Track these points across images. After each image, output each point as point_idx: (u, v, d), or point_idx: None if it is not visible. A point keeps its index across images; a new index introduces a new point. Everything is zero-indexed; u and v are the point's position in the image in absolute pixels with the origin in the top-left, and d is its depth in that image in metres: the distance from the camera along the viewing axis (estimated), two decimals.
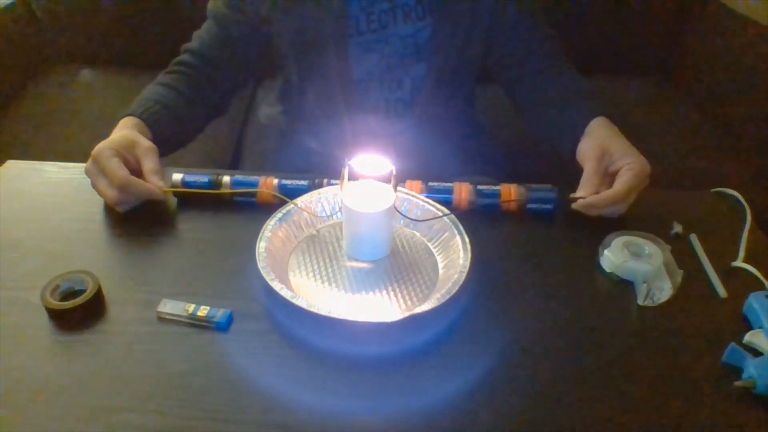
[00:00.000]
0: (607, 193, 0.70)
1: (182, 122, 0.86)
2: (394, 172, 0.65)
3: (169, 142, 0.81)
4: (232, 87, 0.96)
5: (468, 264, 0.63)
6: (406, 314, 0.58)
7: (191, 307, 0.60)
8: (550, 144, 0.88)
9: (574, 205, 0.72)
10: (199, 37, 0.93)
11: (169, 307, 0.60)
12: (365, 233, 0.67)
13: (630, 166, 0.71)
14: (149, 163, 0.72)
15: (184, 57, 0.91)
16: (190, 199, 0.75)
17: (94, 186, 0.71)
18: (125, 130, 0.76)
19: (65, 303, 0.59)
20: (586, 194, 0.72)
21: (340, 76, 0.91)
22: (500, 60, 0.96)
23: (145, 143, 0.73)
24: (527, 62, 0.94)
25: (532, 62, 0.94)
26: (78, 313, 0.59)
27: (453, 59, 0.93)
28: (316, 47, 0.90)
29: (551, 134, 0.87)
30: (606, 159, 0.73)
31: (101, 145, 0.71)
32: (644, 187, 0.72)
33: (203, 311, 0.59)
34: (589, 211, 0.72)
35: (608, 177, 0.73)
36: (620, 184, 0.70)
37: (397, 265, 0.67)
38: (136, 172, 0.72)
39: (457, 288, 0.60)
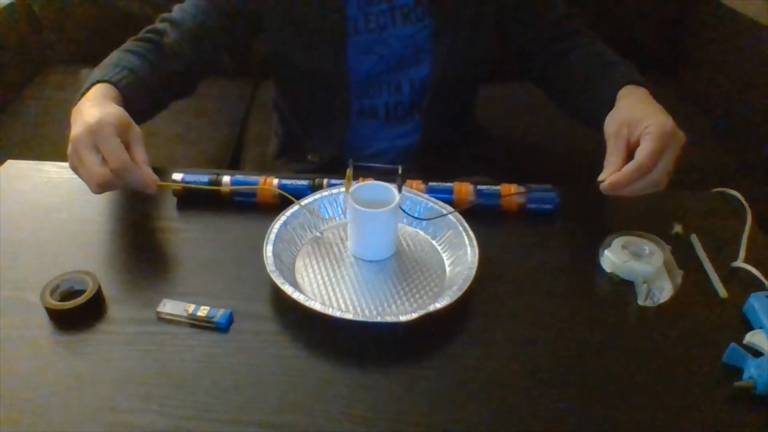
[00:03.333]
0: (628, 167, 0.64)
1: (150, 97, 0.80)
2: (400, 172, 0.65)
3: (134, 117, 0.70)
4: (204, 67, 0.89)
5: (476, 260, 0.63)
6: (421, 313, 0.58)
7: (191, 307, 0.60)
8: (585, 124, 0.83)
9: (601, 189, 0.66)
10: (181, 9, 0.87)
11: (169, 307, 0.60)
12: (371, 233, 0.67)
13: (647, 130, 0.65)
14: (142, 153, 0.66)
15: (161, 26, 0.85)
16: (190, 199, 0.75)
17: (80, 157, 0.62)
18: (110, 103, 0.68)
19: (65, 303, 0.59)
20: (607, 175, 0.66)
21: (337, 77, 0.91)
22: (524, 48, 0.93)
23: (137, 129, 0.67)
24: (551, 45, 0.90)
25: (557, 44, 0.90)
26: (78, 313, 0.59)
27: (457, 61, 0.92)
28: (314, 46, 0.89)
29: (582, 115, 0.83)
30: (624, 131, 0.67)
31: (103, 118, 0.63)
32: (678, 147, 0.65)
33: (203, 311, 0.59)
34: (618, 192, 0.65)
35: (635, 149, 0.66)
36: (640, 152, 0.64)
37: (404, 264, 0.67)
38: None
39: (468, 285, 0.61)
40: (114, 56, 0.80)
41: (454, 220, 0.69)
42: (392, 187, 0.66)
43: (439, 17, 0.89)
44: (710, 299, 0.64)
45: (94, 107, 0.66)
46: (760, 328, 0.59)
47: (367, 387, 0.54)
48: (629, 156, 0.66)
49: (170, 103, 0.87)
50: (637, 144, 0.66)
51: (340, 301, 0.62)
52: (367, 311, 0.61)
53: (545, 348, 0.59)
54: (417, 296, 0.63)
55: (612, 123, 0.70)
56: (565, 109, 0.91)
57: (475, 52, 0.93)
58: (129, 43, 0.83)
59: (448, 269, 0.66)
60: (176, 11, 0.87)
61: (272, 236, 0.66)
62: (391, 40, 0.90)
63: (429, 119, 0.96)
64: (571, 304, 0.63)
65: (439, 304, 0.59)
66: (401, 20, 0.89)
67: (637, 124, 0.67)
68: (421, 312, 0.58)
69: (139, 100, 0.75)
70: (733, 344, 0.57)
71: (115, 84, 0.73)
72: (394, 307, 0.62)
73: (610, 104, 0.74)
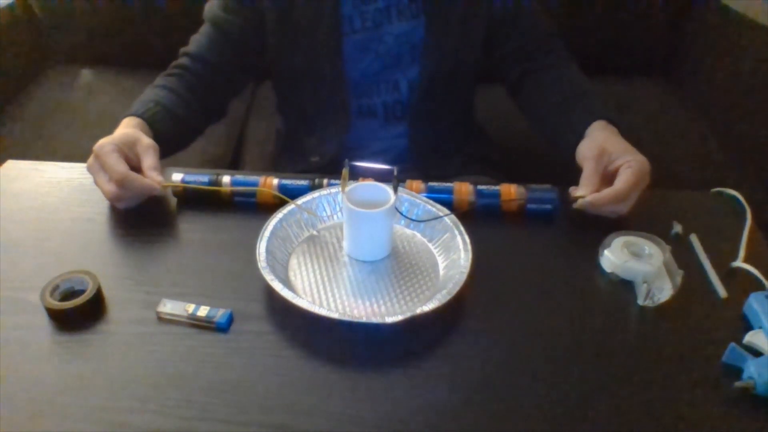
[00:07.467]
0: (608, 191, 0.70)
1: (181, 124, 0.85)
2: (396, 173, 0.65)
3: (168, 143, 0.80)
4: (230, 91, 0.96)
5: (469, 264, 0.63)
6: (407, 315, 0.58)
7: (191, 307, 0.60)
8: (551, 144, 0.87)
9: (575, 205, 0.72)
10: (196, 41, 0.92)
11: (169, 307, 0.60)
12: (366, 233, 0.67)
13: (629, 164, 0.71)
14: (149, 159, 0.72)
15: (182, 60, 0.91)
16: (190, 199, 0.75)
17: (95, 182, 0.71)
18: (127, 128, 0.76)
19: (65, 303, 0.59)
20: (586, 193, 0.71)
21: (334, 77, 0.91)
22: (502, 59, 0.96)
23: (146, 140, 0.73)
24: (529, 60, 0.93)
25: (534, 60, 0.93)
26: (78, 313, 0.59)
27: (447, 60, 0.92)
28: (310, 46, 0.90)
29: (553, 135, 0.87)
30: (605, 158, 0.73)
31: (102, 141, 0.71)
32: (645, 186, 0.71)
33: (203, 311, 0.59)
34: (590, 210, 0.71)
35: (608, 177, 0.73)
36: (621, 182, 0.70)
37: (398, 266, 0.67)
38: (137, 169, 0.72)
39: (458, 289, 0.60)
40: (144, 93, 0.86)
41: (451, 223, 0.69)
42: (388, 188, 0.66)
43: (431, 13, 0.89)
44: (710, 299, 0.64)
45: (106, 137, 0.72)
46: (760, 328, 0.59)
47: (367, 387, 0.54)
48: (603, 180, 0.73)
49: (205, 128, 0.93)
50: (612, 172, 0.72)
51: (331, 300, 0.62)
52: (356, 311, 0.61)
53: (544, 348, 0.58)
54: (408, 298, 0.63)
55: (593, 148, 0.75)
56: (534, 127, 0.94)
57: (464, 52, 0.94)
58: (158, 79, 0.89)
59: (441, 272, 0.66)
60: (192, 44, 0.92)
61: (267, 233, 0.66)
62: (386, 38, 0.91)
63: (427, 119, 0.96)
64: (571, 304, 0.63)
65: (426, 307, 0.59)
66: (397, 17, 0.90)
67: (618, 156, 0.73)
68: (408, 314, 0.58)
69: (169, 127, 0.82)
70: (732, 344, 0.57)
71: (139, 116, 0.79)
72: (384, 308, 0.62)
73: (580, 133, 0.79)
